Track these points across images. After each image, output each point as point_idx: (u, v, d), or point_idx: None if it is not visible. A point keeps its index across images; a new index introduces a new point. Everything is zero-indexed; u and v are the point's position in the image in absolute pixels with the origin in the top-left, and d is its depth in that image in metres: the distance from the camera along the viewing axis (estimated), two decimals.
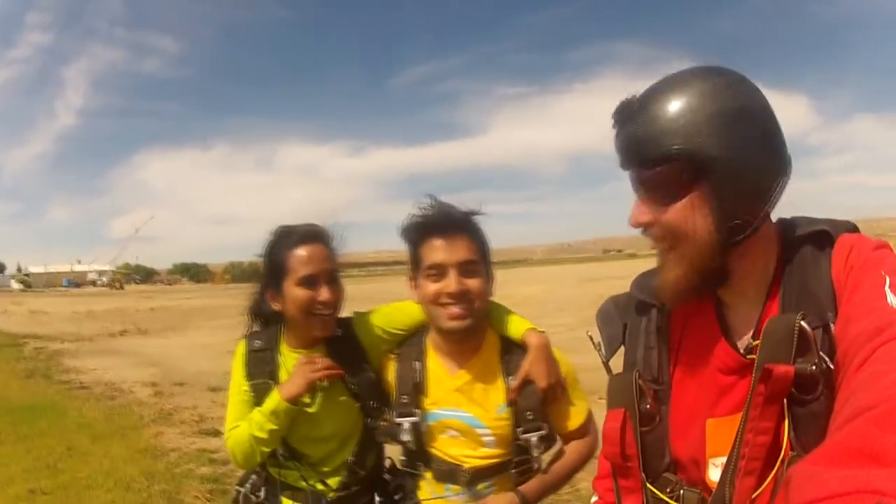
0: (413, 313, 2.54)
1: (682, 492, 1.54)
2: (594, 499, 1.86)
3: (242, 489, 2.70)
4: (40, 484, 6.90)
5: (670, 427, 1.59)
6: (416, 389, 2.47)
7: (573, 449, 2.49)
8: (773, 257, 1.47)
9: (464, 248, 2.35)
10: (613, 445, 1.60)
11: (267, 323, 2.71)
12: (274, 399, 2.44)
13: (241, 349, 2.69)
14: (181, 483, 6.98)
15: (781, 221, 1.50)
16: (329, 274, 2.52)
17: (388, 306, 2.66)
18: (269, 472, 2.65)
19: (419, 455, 2.49)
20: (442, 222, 2.39)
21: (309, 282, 2.47)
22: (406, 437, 2.43)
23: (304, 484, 2.58)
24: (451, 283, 2.31)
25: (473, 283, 2.34)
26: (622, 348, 1.71)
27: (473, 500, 2.39)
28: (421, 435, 2.45)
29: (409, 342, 2.58)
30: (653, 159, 1.41)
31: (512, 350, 2.45)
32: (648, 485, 1.58)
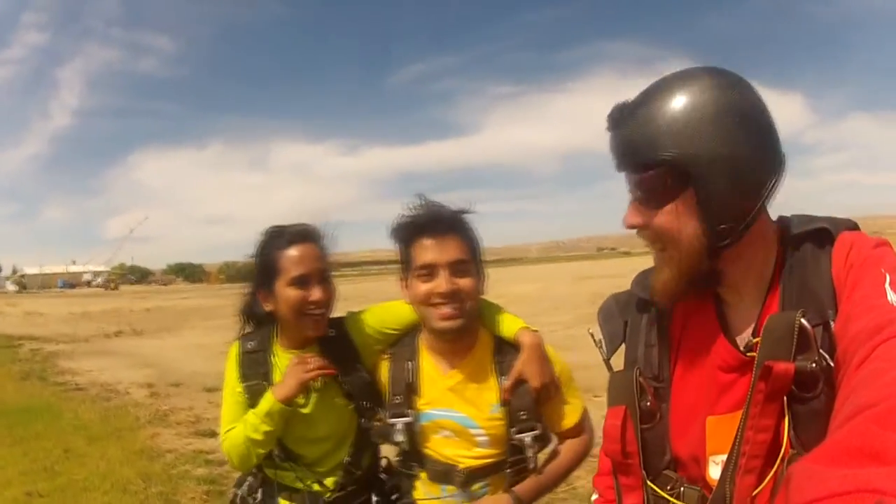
0: (405, 313, 2.52)
1: (682, 489, 1.54)
2: (594, 496, 1.86)
3: (239, 491, 2.69)
4: (37, 486, 6.90)
5: (671, 424, 1.59)
6: (408, 389, 2.46)
7: (568, 448, 2.48)
8: (773, 255, 1.47)
9: (454, 247, 2.34)
10: (614, 443, 1.60)
11: (259, 324, 2.69)
12: (268, 400, 2.44)
13: (234, 351, 2.68)
14: (178, 484, 6.97)
15: (782, 219, 1.51)
16: (321, 273, 2.52)
17: (381, 306, 2.66)
18: (266, 473, 2.64)
19: (413, 455, 2.49)
20: (432, 222, 2.38)
21: (301, 282, 2.46)
22: (399, 438, 2.42)
23: (300, 485, 2.57)
24: (441, 283, 2.30)
25: (464, 283, 2.33)
26: (623, 346, 1.72)
27: (468, 500, 2.39)
28: (414, 435, 2.44)
29: (402, 342, 2.56)
30: (643, 164, 1.43)
31: (505, 349, 2.44)
32: (649, 482, 1.58)
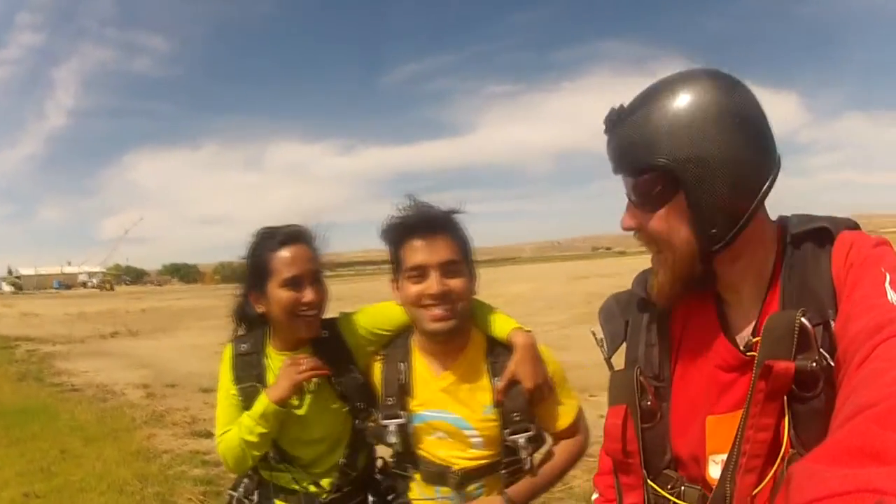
0: (398, 314, 2.51)
1: (682, 489, 1.55)
2: (595, 495, 1.88)
3: (235, 493, 2.69)
4: (34, 487, 6.90)
5: (671, 424, 1.60)
6: (401, 391, 2.45)
7: (563, 449, 2.48)
8: (773, 255, 1.48)
9: (445, 248, 2.33)
10: (615, 442, 1.60)
11: (252, 326, 2.69)
12: (262, 402, 2.43)
13: (227, 353, 2.67)
14: (174, 485, 6.98)
15: (782, 219, 1.52)
16: (313, 275, 2.51)
17: (373, 307, 2.64)
18: (262, 475, 2.64)
19: (407, 457, 2.48)
20: (422, 223, 2.37)
21: (293, 283, 2.45)
22: (392, 439, 2.42)
23: (296, 486, 2.58)
24: (432, 284, 2.29)
25: (455, 284, 2.32)
26: (624, 345, 1.72)
27: (463, 502, 2.38)
28: (408, 437, 2.44)
29: (395, 343, 2.55)
30: (637, 167, 1.45)
31: (498, 350, 2.43)
32: (649, 481, 1.58)
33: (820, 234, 1.43)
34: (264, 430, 2.43)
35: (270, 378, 2.55)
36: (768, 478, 1.34)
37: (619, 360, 1.73)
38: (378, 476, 2.68)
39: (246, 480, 2.70)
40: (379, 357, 2.57)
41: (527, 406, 2.36)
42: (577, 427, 2.49)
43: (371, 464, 2.71)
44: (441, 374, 2.43)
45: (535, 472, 2.41)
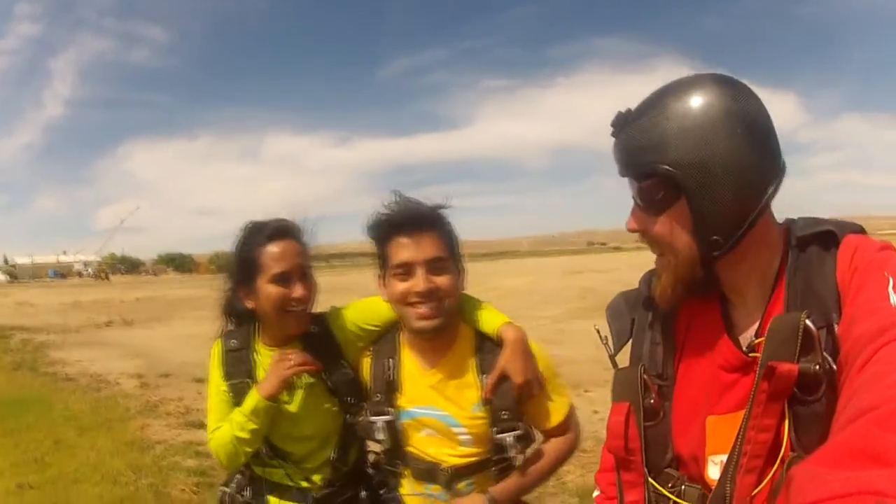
0: (386, 309, 2.50)
1: (683, 487, 1.56)
2: (596, 493, 1.89)
3: (227, 489, 2.69)
4: (28, 478, 6.89)
5: (673, 423, 1.61)
6: (389, 387, 2.45)
7: (553, 447, 2.46)
8: (778, 257, 1.48)
9: (431, 245, 2.32)
10: (617, 439, 1.61)
11: (241, 321, 2.69)
12: (253, 398, 2.44)
13: (217, 349, 2.67)
14: (168, 476, 6.99)
15: (788, 222, 1.52)
16: (302, 270, 2.51)
17: (362, 302, 2.63)
18: (254, 471, 2.65)
19: (397, 453, 2.48)
20: (408, 219, 2.35)
21: (282, 279, 2.45)
22: (381, 436, 2.41)
23: (289, 482, 2.58)
24: (419, 281, 2.28)
25: (442, 281, 2.31)
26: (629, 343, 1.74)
27: (452, 497, 2.38)
28: (397, 434, 2.43)
29: (384, 339, 2.55)
30: (641, 172, 1.46)
31: (487, 346, 2.41)
32: (650, 479, 1.59)
33: (825, 237, 1.43)
34: (255, 426, 2.43)
35: (260, 373, 2.55)
36: (767, 479, 1.34)
37: (624, 359, 1.73)
38: (370, 470, 2.67)
39: (238, 476, 2.70)
40: (368, 352, 2.56)
41: (515, 404, 2.34)
42: (568, 425, 2.48)
43: (363, 458, 2.72)
44: (429, 371, 2.42)
45: (523, 471, 2.39)
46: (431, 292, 2.28)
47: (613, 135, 1.50)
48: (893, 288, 1.20)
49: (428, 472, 2.41)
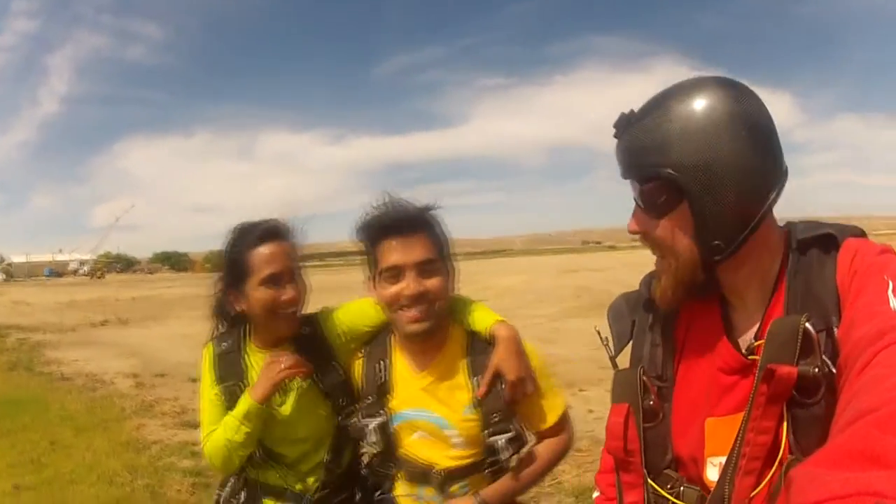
0: (377, 311, 2.48)
1: (682, 489, 1.56)
2: (596, 494, 1.89)
3: (222, 493, 2.69)
4: (24, 479, 6.90)
5: (672, 424, 1.61)
6: (381, 390, 2.43)
7: (547, 448, 2.44)
8: (778, 260, 1.48)
9: (420, 247, 2.29)
10: (616, 440, 1.61)
11: (233, 323, 2.66)
12: (245, 401, 2.42)
13: (208, 353, 2.66)
14: (164, 476, 7.00)
15: (789, 225, 1.52)
16: (291, 272, 2.49)
17: (353, 304, 2.62)
18: (249, 474, 2.63)
19: (390, 456, 2.46)
20: (397, 222, 2.33)
21: (272, 281, 2.43)
22: (373, 438, 2.39)
23: (284, 484, 2.57)
24: (409, 285, 2.25)
25: (432, 284, 2.29)
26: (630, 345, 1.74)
27: (445, 500, 2.37)
28: (389, 436, 2.42)
29: (376, 340, 2.53)
30: (644, 175, 1.47)
31: (478, 348, 2.39)
32: (650, 480, 1.59)
33: (825, 240, 1.43)
34: (248, 430, 2.42)
35: (252, 376, 2.53)
36: (766, 481, 1.35)
37: (624, 361, 1.74)
38: (364, 471, 2.64)
39: (233, 480, 2.68)
40: (360, 354, 2.55)
41: (507, 406, 2.32)
42: (563, 426, 2.45)
43: (357, 460, 2.67)
44: (420, 373, 2.41)
45: (515, 473, 2.36)
46: (422, 295, 2.26)
47: (616, 136, 1.50)
48: (893, 291, 1.20)
49: (421, 475, 2.39)
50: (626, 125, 1.48)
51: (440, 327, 2.37)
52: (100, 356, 16.36)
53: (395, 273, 2.27)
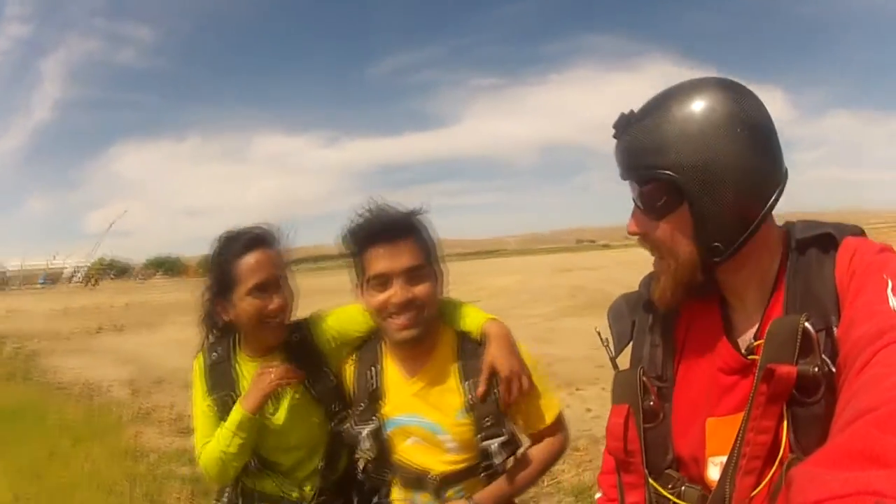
0: (367, 317, 2.46)
1: (683, 489, 1.56)
2: (598, 494, 1.90)
3: (220, 503, 2.69)
4: (23, 489, 6.88)
5: (673, 424, 1.61)
6: (373, 396, 2.43)
7: (542, 450, 2.43)
8: (777, 260, 1.49)
9: (407, 253, 2.27)
10: (617, 440, 1.61)
11: (222, 333, 2.65)
12: (237, 412, 2.42)
13: (198, 363, 2.66)
14: (163, 485, 6.99)
15: (788, 224, 1.53)
16: (278, 280, 2.48)
17: (343, 310, 2.60)
18: (245, 483, 2.63)
19: (384, 462, 2.46)
20: (383, 228, 2.30)
21: (259, 290, 2.42)
22: (366, 445, 2.39)
23: (280, 493, 2.59)
24: (397, 292, 2.24)
25: (420, 290, 2.28)
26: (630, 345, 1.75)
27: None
28: (382, 443, 2.41)
29: (367, 346, 2.52)
30: (643, 176, 1.47)
31: (469, 352, 2.39)
32: (651, 481, 1.59)
33: (824, 239, 1.43)
34: (242, 441, 2.43)
35: (244, 385, 2.53)
36: (766, 480, 1.35)
37: (624, 361, 1.74)
38: (361, 477, 2.65)
39: (229, 490, 2.68)
40: (351, 360, 2.54)
41: (498, 410, 2.32)
42: (558, 427, 2.45)
43: (353, 466, 2.68)
44: (411, 379, 2.40)
45: (510, 476, 2.36)
46: (410, 302, 2.25)
47: (615, 136, 1.51)
48: (892, 290, 1.20)
49: (416, 481, 2.39)
50: (626, 126, 1.48)
51: (430, 332, 2.36)
52: (96, 364, 16.32)
53: (383, 281, 2.26)
